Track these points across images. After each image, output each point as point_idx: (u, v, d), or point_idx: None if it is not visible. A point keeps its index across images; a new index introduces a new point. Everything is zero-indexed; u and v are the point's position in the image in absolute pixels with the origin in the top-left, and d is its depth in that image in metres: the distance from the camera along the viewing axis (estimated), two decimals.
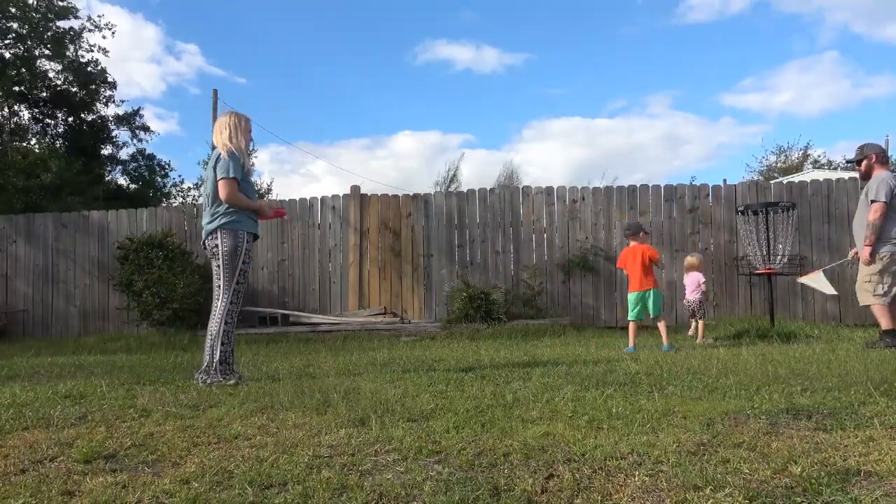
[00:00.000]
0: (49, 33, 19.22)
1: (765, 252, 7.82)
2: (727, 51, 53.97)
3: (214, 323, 4.11)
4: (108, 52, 20.83)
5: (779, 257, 7.88)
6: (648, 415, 2.70)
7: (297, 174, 51.37)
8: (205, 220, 4.29)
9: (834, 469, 1.92)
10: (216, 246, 4.17)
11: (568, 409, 2.88)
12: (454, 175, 31.35)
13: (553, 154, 52.21)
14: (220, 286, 4.17)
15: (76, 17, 19.92)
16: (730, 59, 54.71)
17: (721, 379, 3.57)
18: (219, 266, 4.17)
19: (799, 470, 1.89)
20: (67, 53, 19.50)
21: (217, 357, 4.06)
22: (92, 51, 20.38)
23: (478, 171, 50.88)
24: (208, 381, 3.97)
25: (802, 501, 1.70)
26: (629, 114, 57.02)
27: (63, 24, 19.68)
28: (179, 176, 25.05)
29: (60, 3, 19.41)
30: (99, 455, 2.31)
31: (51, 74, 20.05)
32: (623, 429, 2.47)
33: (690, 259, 7.32)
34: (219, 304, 4.15)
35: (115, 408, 3.22)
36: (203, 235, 4.29)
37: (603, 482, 1.88)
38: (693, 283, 7.11)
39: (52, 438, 2.57)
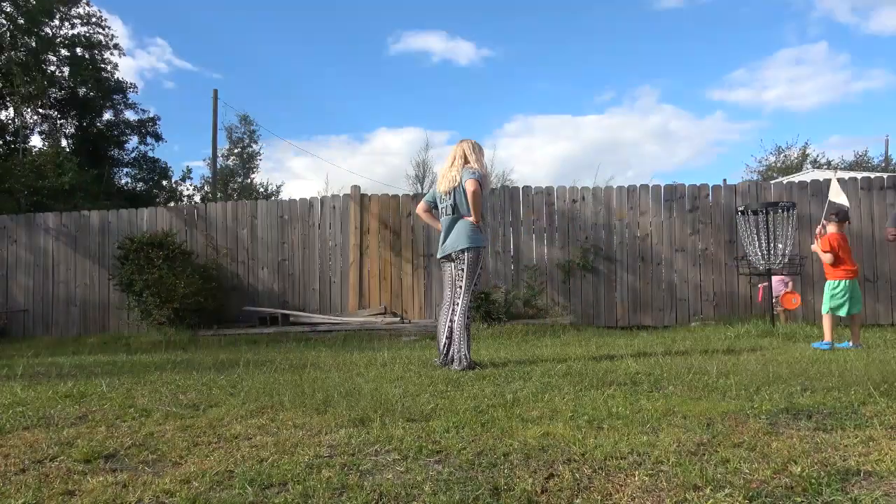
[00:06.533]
0: (66, 51, 19.79)
1: (765, 252, 7.83)
2: (716, 42, 53.96)
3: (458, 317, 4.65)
4: (118, 66, 21.52)
5: (779, 257, 7.88)
6: (648, 415, 2.70)
7: (278, 171, 51.24)
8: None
9: (834, 469, 1.92)
10: (464, 257, 4.70)
11: (568, 409, 2.88)
12: (425, 172, 31.41)
13: (540, 150, 51.91)
14: (461, 287, 4.70)
15: (95, 44, 20.47)
16: (719, 51, 54.69)
17: (721, 379, 3.57)
18: (461, 270, 4.69)
19: (799, 470, 1.90)
20: (82, 69, 19.99)
21: (465, 348, 4.59)
22: (104, 64, 20.98)
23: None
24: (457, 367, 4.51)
25: (802, 501, 1.70)
26: (618, 108, 56.74)
27: (80, 49, 20.29)
28: (192, 181, 24.94)
29: (83, 31, 20.05)
30: (99, 455, 2.31)
31: (65, 75, 20.33)
32: (623, 429, 2.47)
33: None
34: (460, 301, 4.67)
35: (116, 407, 3.22)
36: (453, 250, 4.75)
37: (603, 482, 1.88)
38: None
39: (52, 438, 2.57)
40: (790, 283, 8.40)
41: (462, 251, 4.69)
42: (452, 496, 1.78)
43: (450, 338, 4.71)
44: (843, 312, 5.75)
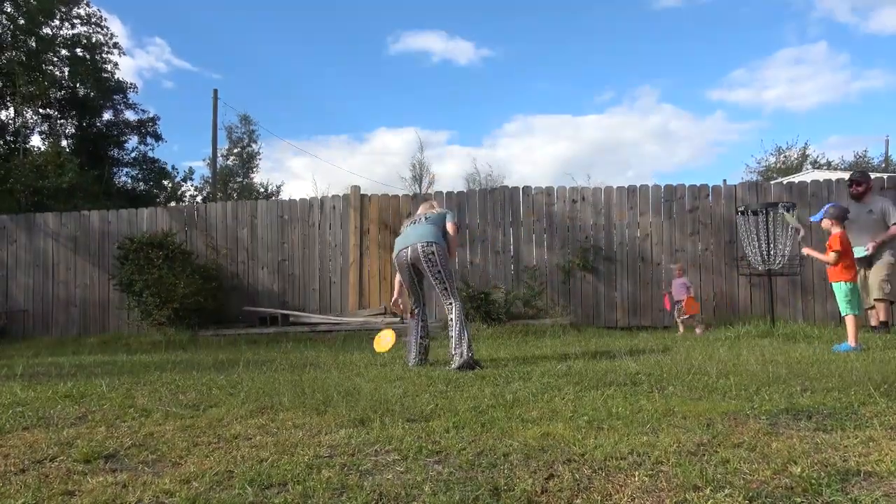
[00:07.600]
0: (66, 52, 19.88)
1: (764, 252, 7.83)
2: (716, 42, 54.02)
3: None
4: (118, 66, 21.62)
5: (778, 258, 7.88)
6: (648, 415, 2.70)
7: (278, 171, 51.31)
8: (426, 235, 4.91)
9: (834, 469, 1.92)
10: (433, 253, 4.79)
11: (568, 409, 2.88)
12: (422, 173, 31.57)
13: (540, 150, 52.08)
14: (446, 290, 4.83)
15: (95, 44, 20.59)
16: (719, 51, 54.77)
17: (721, 379, 3.57)
18: (439, 275, 4.81)
19: (799, 470, 1.90)
20: (82, 69, 20.10)
21: (467, 349, 4.63)
22: (104, 64, 21.08)
23: (463, 168, 50.88)
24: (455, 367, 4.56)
25: (802, 502, 1.70)
26: (618, 108, 56.85)
27: (80, 50, 20.42)
28: (193, 182, 24.96)
29: (83, 31, 20.17)
30: (99, 455, 2.31)
31: (65, 75, 20.39)
32: (623, 429, 2.47)
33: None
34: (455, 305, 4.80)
35: (116, 407, 3.22)
36: (418, 241, 4.86)
37: (603, 482, 1.88)
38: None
39: (52, 438, 2.57)
40: (691, 288, 8.30)
41: (429, 244, 4.82)
42: (452, 496, 1.78)
43: (424, 338, 5.08)
44: (858, 311, 5.54)
